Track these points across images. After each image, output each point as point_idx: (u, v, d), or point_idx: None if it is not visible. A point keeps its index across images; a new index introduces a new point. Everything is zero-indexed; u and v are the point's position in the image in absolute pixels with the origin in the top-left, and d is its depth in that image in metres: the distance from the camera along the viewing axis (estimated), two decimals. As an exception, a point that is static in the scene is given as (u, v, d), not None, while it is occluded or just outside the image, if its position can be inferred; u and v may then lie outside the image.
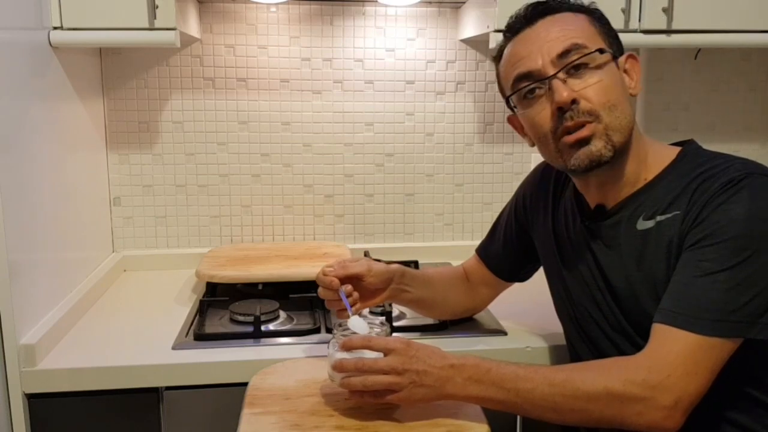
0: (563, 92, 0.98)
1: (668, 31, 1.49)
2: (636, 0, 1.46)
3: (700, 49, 1.87)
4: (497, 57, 1.11)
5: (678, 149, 1.06)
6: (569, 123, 0.99)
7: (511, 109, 1.10)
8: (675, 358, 0.89)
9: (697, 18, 1.50)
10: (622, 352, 1.05)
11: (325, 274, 1.16)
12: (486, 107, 1.87)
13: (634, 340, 1.03)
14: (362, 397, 1.00)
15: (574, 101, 0.98)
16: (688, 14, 1.49)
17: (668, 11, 1.47)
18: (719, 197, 0.94)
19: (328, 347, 1.06)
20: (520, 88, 1.03)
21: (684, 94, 1.92)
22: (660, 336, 0.92)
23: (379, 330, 1.09)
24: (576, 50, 0.99)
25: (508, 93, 1.07)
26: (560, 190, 1.20)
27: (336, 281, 1.14)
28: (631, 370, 0.91)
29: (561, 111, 0.99)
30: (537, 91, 1.02)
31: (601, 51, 1.00)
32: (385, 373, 0.96)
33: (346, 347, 1.01)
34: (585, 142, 0.99)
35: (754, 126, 1.96)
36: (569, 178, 1.17)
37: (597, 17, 1.05)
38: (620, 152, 1.01)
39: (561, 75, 0.99)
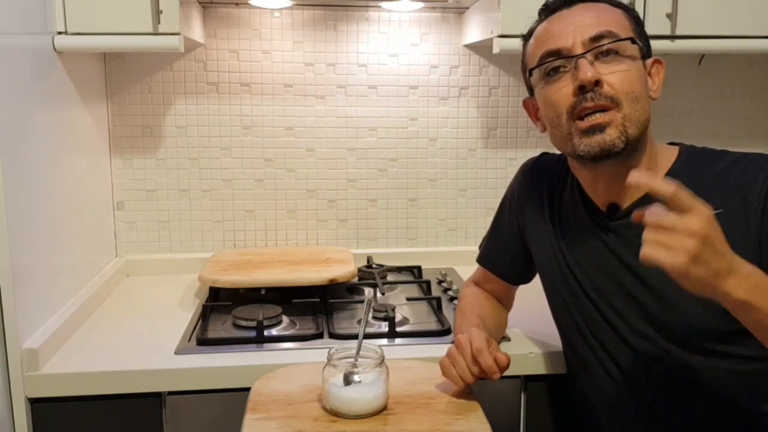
0: (588, 71, 0.98)
1: (672, 37, 1.49)
2: (640, 5, 1.46)
3: (704, 55, 1.87)
4: (527, 36, 1.11)
5: (676, 148, 1.08)
6: (589, 104, 0.98)
7: (529, 90, 1.10)
8: None
9: (701, 24, 1.50)
10: (638, 354, 1.04)
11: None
12: (489, 112, 1.87)
13: (658, 344, 1.02)
14: (655, 251, 0.79)
15: (597, 83, 0.98)
16: (692, 20, 1.48)
17: (672, 17, 1.47)
18: None
19: (323, 372, 1.05)
20: (546, 62, 1.03)
21: (688, 99, 1.92)
22: None
23: (373, 354, 1.07)
24: (608, 36, 1.00)
25: (531, 66, 1.07)
26: (558, 191, 1.18)
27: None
28: None
29: (582, 90, 0.99)
30: (562, 69, 1.02)
31: (632, 41, 1.01)
32: (689, 235, 0.78)
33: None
34: (600, 129, 0.99)
35: (759, 132, 1.95)
36: (567, 177, 1.16)
37: (633, 16, 1.06)
38: (632, 147, 1.01)
39: (589, 56, 0.99)
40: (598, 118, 0.99)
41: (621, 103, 0.98)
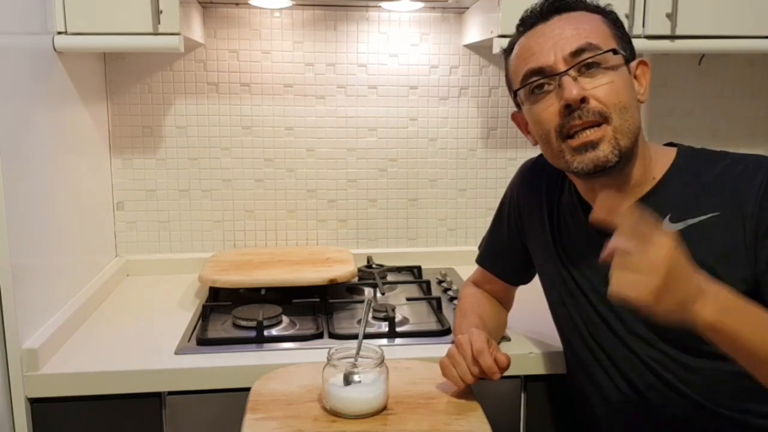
0: (573, 89, 0.97)
1: (672, 37, 1.49)
2: (640, 5, 1.46)
3: (704, 55, 1.87)
4: (508, 50, 1.10)
5: (674, 149, 1.07)
6: (577, 122, 0.98)
7: (517, 105, 1.10)
8: None
9: (701, 23, 1.50)
10: (636, 355, 1.04)
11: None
12: (489, 112, 1.87)
13: (656, 346, 1.03)
14: (623, 288, 0.81)
15: (583, 100, 0.97)
16: (691, 20, 1.48)
17: (672, 17, 1.47)
18: None
19: (322, 372, 1.05)
20: (529, 83, 1.02)
21: (688, 99, 1.92)
22: None
23: (373, 354, 1.07)
24: (589, 49, 0.98)
25: (516, 87, 1.06)
26: (556, 193, 1.18)
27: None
28: None
29: (569, 109, 0.98)
30: (546, 87, 1.01)
31: (614, 52, 1.00)
32: (651, 272, 0.79)
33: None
34: (592, 146, 0.98)
35: (759, 132, 1.95)
36: (565, 180, 1.16)
37: (612, 19, 1.05)
38: (626, 157, 1.00)
39: (572, 72, 0.98)
40: (589, 135, 0.98)
41: (610, 116, 0.98)
